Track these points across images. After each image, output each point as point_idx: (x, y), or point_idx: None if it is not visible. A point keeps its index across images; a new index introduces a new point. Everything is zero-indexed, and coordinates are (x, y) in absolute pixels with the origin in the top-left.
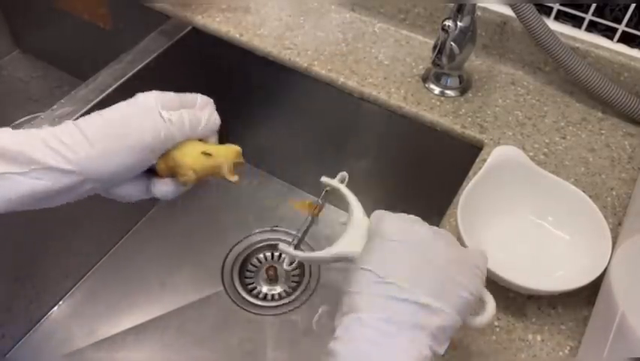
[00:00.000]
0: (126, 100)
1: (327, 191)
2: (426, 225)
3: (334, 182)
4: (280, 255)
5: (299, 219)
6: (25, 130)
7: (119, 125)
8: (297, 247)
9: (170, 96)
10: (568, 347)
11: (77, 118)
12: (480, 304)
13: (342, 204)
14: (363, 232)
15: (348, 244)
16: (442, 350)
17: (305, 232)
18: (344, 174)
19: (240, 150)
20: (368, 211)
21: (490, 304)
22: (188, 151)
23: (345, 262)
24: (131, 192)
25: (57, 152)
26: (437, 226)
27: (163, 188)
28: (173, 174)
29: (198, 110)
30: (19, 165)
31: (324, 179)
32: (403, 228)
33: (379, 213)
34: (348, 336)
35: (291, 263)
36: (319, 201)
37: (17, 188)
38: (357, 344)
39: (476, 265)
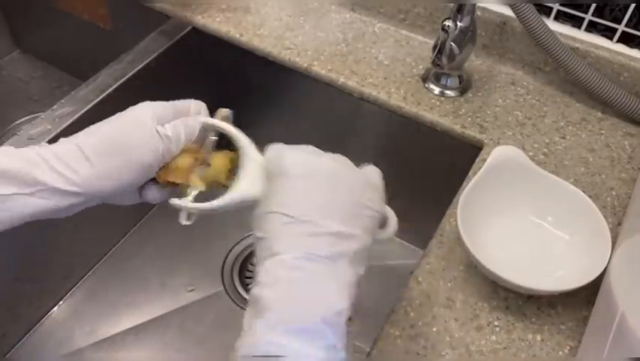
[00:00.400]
0: (122, 112)
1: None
2: (325, 154)
3: (215, 121)
4: None
5: None
6: (26, 149)
7: (118, 144)
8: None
9: (164, 107)
10: (568, 347)
11: (77, 118)
12: (383, 219)
13: None
14: (260, 173)
15: (246, 187)
16: (362, 271)
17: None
18: (226, 110)
19: (235, 157)
20: None
21: (392, 217)
22: (185, 166)
23: (247, 206)
24: (126, 199)
25: (60, 174)
26: (437, 226)
27: (155, 195)
28: (173, 187)
29: (192, 119)
30: (27, 186)
31: (202, 119)
32: (305, 161)
33: (276, 149)
34: (272, 280)
35: (188, 217)
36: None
37: (26, 208)
38: (284, 286)
39: (375, 183)
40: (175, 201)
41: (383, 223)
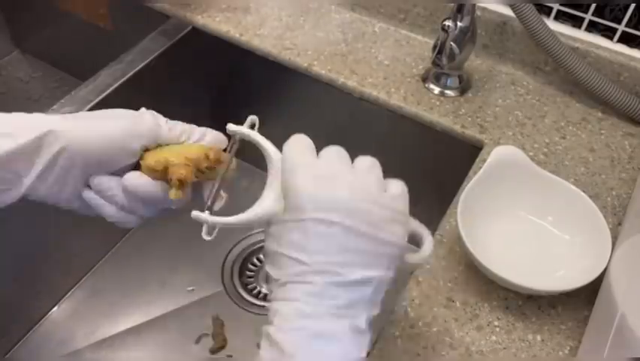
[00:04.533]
0: None
1: (234, 143)
2: (346, 174)
3: (243, 128)
4: None
5: None
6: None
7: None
8: (211, 213)
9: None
10: (568, 347)
11: None
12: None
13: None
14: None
15: (271, 204)
16: (377, 310)
17: (215, 195)
18: (254, 117)
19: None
20: None
21: (427, 236)
22: (182, 149)
23: (269, 221)
24: (112, 185)
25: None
26: (437, 226)
27: (136, 180)
28: (163, 176)
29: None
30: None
31: (231, 126)
32: (323, 199)
33: (290, 164)
34: (288, 326)
35: (209, 232)
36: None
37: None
38: (300, 336)
39: (397, 212)
40: (195, 214)
41: (416, 242)
